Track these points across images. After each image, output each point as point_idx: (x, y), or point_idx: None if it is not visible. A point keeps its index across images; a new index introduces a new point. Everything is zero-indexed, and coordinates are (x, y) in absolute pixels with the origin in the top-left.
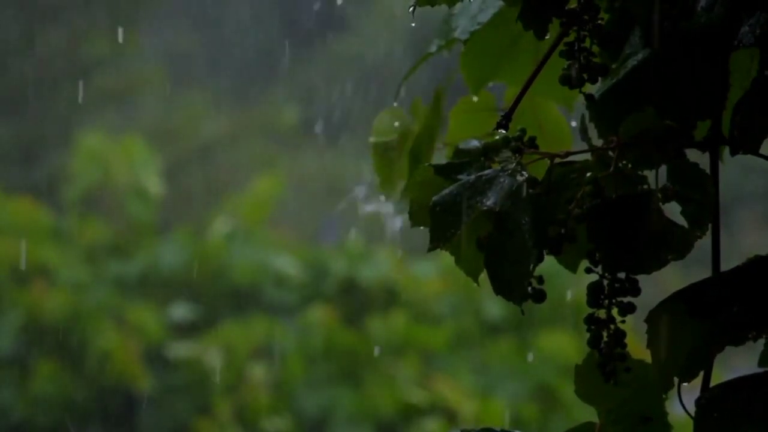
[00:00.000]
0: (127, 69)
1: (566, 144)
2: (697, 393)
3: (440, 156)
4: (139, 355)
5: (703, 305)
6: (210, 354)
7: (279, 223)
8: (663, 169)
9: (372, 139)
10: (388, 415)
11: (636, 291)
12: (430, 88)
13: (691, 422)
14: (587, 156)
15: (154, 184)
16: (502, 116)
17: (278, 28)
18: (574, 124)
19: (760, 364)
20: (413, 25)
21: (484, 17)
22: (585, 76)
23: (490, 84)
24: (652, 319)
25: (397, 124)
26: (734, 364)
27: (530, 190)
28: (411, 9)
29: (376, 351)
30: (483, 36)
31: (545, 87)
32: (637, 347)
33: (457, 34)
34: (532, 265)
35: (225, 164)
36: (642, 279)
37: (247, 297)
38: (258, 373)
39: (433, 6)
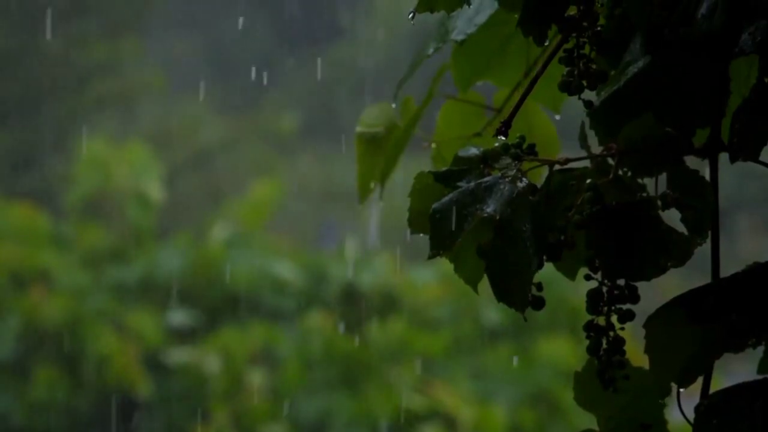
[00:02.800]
0: (126, 74)
1: (554, 148)
2: (696, 400)
3: (426, 152)
4: (137, 361)
5: (701, 311)
6: (208, 360)
7: (278, 229)
8: (663, 176)
9: (357, 129)
10: (386, 422)
11: (635, 298)
12: (425, 88)
13: (690, 429)
14: (586, 163)
15: (154, 190)
16: (501, 123)
17: (277, 34)
18: (558, 117)
19: (760, 370)
20: (412, 24)
21: (481, 19)
22: (584, 82)
23: (479, 84)
24: (650, 324)
25: (382, 117)
26: (734, 370)
27: (530, 197)
28: (411, 15)
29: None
30: (474, 36)
31: (534, 90)
32: (637, 354)
33: (453, 35)
34: (533, 272)
35: (224, 169)
36: (641, 286)
37: (245, 302)
38: (256, 378)
39: (432, 12)
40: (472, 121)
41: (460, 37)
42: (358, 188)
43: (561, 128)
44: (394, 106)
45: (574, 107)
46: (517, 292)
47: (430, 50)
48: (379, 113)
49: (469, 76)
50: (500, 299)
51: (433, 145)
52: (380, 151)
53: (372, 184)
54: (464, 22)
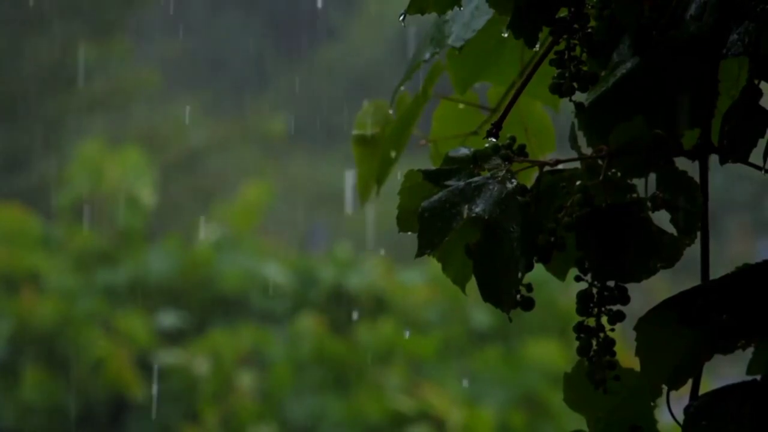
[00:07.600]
0: (117, 76)
1: (550, 143)
2: (686, 401)
3: (424, 153)
4: (128, 363)
5: (692, 313)
6: (198, 361)
7: (267, 231)
8: (652, 178)
9: (354, 132)
10: (375, 423)
11: (625, 299)
12: (416, 89)
13: (679, 430)
14: (576, 164)
15: (147, 194)
16: (492, 125)
17: (267, 36)
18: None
19: (749, 372)
20: (403, 27)
21: (478, 24)
22: (575, 84)
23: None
24: (641, 326)
25: (378, 117)
26: (723, 372)
27: (519, 198)
28: (401, 17)
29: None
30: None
31: (531, 87)
32: (627, 355)
33: (451, 41)
34: (520, 273)
35: (214, 171)
36: (631, 287)
37: (235, 304)
38: (246, 380)
39: (423, 14)
40: (468, 120)
41: (458, 44)
42: (358, 190)
43: (555, 129)
44: (390, 112)
45: (567, 108)
46: (504, 293)
47: (427, 55)
48: (375, 112)
49: (466, 77)
50: (486, 299)
51: (431, 144)
52: (378, 152)
53: (371, 185)
54: (461, 28)
